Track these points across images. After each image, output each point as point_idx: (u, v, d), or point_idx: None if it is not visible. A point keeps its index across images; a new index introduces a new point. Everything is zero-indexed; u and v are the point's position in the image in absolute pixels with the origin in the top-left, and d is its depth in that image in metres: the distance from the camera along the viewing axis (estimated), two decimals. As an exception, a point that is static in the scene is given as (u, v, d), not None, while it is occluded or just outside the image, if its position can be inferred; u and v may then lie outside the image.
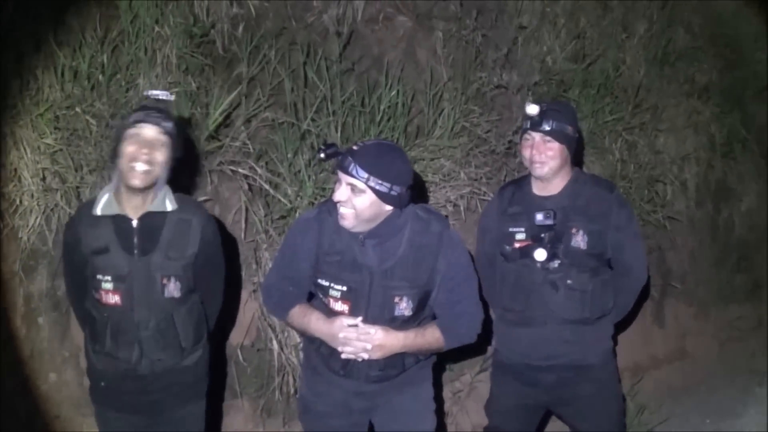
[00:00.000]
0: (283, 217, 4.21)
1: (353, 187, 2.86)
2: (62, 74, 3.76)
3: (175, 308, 3.09)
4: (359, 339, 2.96)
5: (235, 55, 4.28)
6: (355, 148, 2.92)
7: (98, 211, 3.03)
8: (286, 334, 4.22)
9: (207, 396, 3.37)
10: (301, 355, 4.14)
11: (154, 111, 3.01)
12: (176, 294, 3.08)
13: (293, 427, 4.31)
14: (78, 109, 3.77)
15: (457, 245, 3.09)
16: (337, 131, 4.26)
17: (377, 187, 2.84)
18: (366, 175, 2.83)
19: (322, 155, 2.92)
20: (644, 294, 5.49)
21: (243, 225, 4.16)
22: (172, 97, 3.08)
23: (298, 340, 4.18)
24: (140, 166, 2.93)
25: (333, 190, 2.96)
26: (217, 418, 4.13)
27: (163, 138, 2.99)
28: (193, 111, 4.04)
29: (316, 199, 4.19)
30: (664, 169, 6.10)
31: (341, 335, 2.97)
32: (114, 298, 3.00)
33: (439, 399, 3.45)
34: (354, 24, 4.66)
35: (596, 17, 5.78)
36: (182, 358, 3.16)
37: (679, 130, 6.30)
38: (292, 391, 4.24)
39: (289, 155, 4.23)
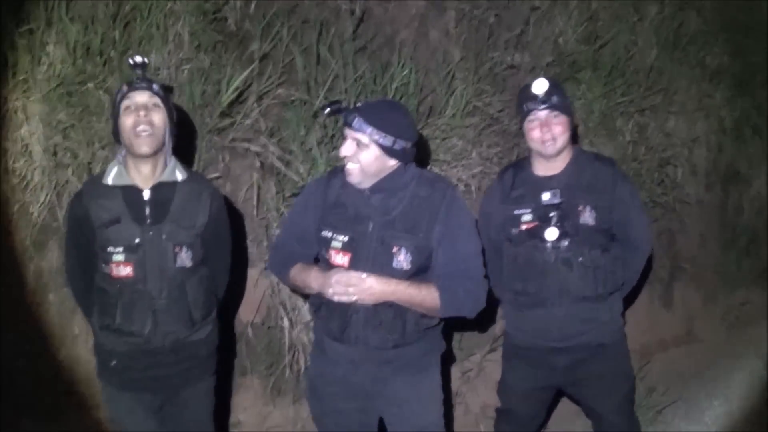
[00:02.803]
0: (294, 195, 4.18)
1: (358, 142, 2.96)
2: (74, 50, 3.73)
3: (186, 278, 3.09)
4: (350, 281, 2.97)
5: (247, 32, 4.26)
6: (359, 104, 3.03)
7: (109, 181, 3.04)
8: (296, 312, 4.23)
9: (216, 374, 3.37)
10: (311, 334, 4.16)
11: (138, 79, 3.03)
12: (188, 263, 3.09)
13: (303, 405, 4.31)
14: (90, 85, 3.76)
15: (461, 205, 3.13)
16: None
17: (381, 141, 2.93)
18: (370, 129, 2.92)
19: (327, 110, 3.01)
20: (649, 273, 5.53)
21: (254, 202, 4.16)
22: (146, 60, 3.09)
23: (309, 317, 4.18)
24: (143, 130, 2.96)
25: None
26: (227, 396, 4.14)
27: (156, 99, 3.02)
28: (205, 88, 4.02)
29: (328, 177, 4.17)
30: (674, 151, 6.07)
31: (334, 278, 2.98)
32: (126, 270, 3.00)
33: (447, 384, 3.43)
34: (367, 2, 4.64)
35: (608, -1, 5.76)
36: (193, 331, 3.16)
37: (690, 113, 6.26)
38: (302, 369, 4.25)
39: (301, 133, 4.22)
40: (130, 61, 3.04)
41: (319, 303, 3.13)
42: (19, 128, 3.65)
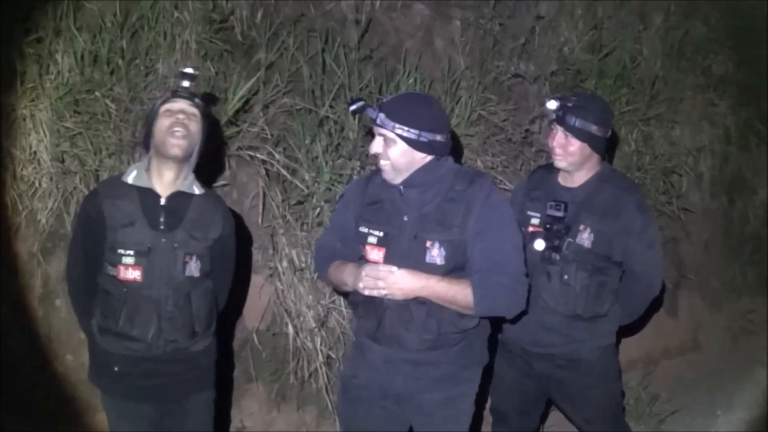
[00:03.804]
0: (300, 203, 4.23)
1: (385, 138, 2.93)
2: (82, 58, 3.77)
3: (192, 288, 3.10)
4: (379, 275, 2.92)
5: (253, 41, 4.29)
6: (384, 100, 3.00)
7: (129, 179, 3.05)
8: (301, 318, 4.24)
9: (216, 386, 3.37)
10: (316, 340, 4.19)
11: (182, 88, 3.08)
12: (196, 273, 3.09)
13: (307, 411, 4.35)
14: (98, 93, 3.79)
15: (499, 200, 3.04)
16: (354, 118, 4.26)
17: (405, 135, 2.89)
18: (392, 124, 2.89)
19: (352, 109, 2.97)
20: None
21: (260, 210, 4.18)
22: (196, 73, 3.15)
23: (313, 324, 4.22)
24: (178, 133, 2.98)
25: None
26: (229, 405, 4.17)
27: (195, 110, 3.06)
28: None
29: (333, 185, 4.21)
30: (679, 160, 6.10)
31: (364, 272, 2.95)
32: (134, 274, 3.00)
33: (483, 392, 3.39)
34: (372, 12, 4.67)
35: (613, 8, 5.78)
36: (194, 343, 3.16)
37: (695, 122, 6.29)
38: (306, 375, 4.27)
39: (307, 141, 4.24)
40: (181, 70, 3.12)
41: (357, 301, 3.11)
42: (27, 136, 3.68)
